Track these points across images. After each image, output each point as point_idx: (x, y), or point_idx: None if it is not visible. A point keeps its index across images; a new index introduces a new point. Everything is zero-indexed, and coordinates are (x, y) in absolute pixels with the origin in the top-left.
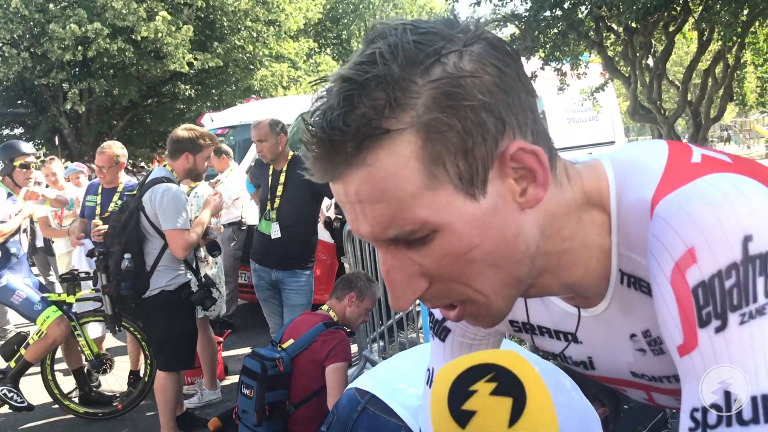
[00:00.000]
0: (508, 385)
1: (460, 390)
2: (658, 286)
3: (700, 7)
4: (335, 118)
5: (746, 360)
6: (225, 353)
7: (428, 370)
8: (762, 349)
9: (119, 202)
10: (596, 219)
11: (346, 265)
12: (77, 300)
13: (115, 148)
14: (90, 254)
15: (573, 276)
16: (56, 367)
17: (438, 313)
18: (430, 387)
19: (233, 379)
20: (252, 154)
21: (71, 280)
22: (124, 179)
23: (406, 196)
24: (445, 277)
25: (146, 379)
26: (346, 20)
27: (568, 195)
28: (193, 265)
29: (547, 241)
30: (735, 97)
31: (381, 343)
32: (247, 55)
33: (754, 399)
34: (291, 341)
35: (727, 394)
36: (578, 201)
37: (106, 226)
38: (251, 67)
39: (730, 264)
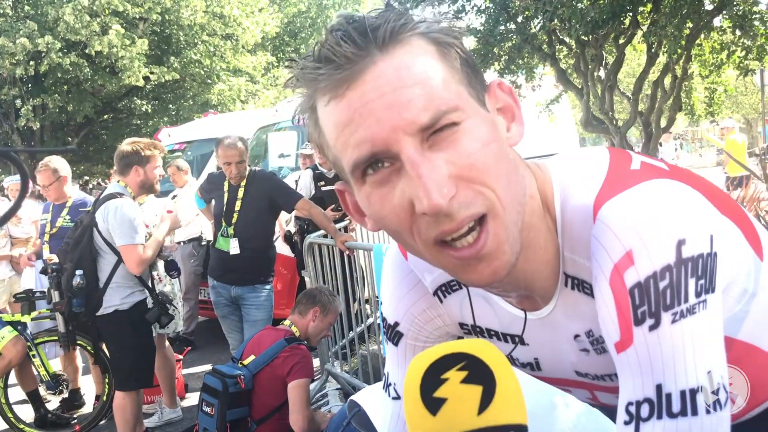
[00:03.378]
0: (479, 373)
1: (432, 378)
2: (599, 286)
3: (648, 21)
4: (373, 15)
5: (677, 356)
6: (185, 371)
7: (384, 374)
8: (692, 346)
9: (68, 217)
10: (546, 219)
11: (307, 279)
12: (32, 319)
13: (54, 163)
14: (44, 271)
15: (535, 262)
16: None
17: (390, 319)
18: (386, 391)
19: (194, 396)
20: (210, 169)
21: (26, 300)
22: (73, 194)
23: (438, 80)
24: (470, 174)
25: (104, 398)
26: (304, 34)
27: (528, 177)
28: (149, 283)
29: (525, 199)
30: (684, 108)
31: (343, 357)
32: (204, 69)
33: (683, 393)
34: (252, 357)
35: (659, 388)
36: (531, 190)
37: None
38: (208, 81)
39: (665, 266)
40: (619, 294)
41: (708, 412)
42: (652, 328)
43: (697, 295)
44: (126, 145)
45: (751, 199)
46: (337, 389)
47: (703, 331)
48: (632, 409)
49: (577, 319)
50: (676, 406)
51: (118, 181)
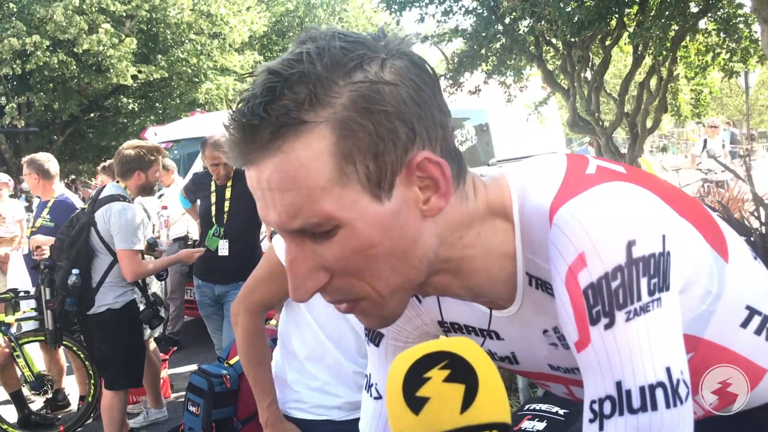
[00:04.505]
0: (461, 372)
1: (415, 377)
2: (556, 289)
3: (634, 23)
4: (256, 105)
5: (633, 353)
6: (171, 371)
7: (366, 375)
8: (648, 343)
9: (48, 216)
10: (499, 227)
11: None
12: (17, 320)
13: (40, 163)
14: (35, 267)
15: (475, 281)
16: None
17: None
18: (368, 391)
19: (179, 396)
20: (196, 168)
21: (10, 300)
22: (58, 192)
23: (316, 189)
24: (345, 271)
25: (90, 398)
26: (291, 33)
27: (471, 207)
28: (140, 283)
29: (447, 249)
30: (670, 109)
31: None
32: (192, 67)
33: (642, 389)
34: (238, 357)
35: (619, 385)
36: (481, 212)
37: (46, 247)
38: (195, 80)
39: (616, 266)
40: (575, 295)
41: (668, 407)
42: (607, 327)
43: (651, 293)
44: (129, 150)
45: (735, 200)
46: None
47: (659, 328)
48: (596, 406)
49: (543, 316)
50: (636, 402)
51: (117, 182)
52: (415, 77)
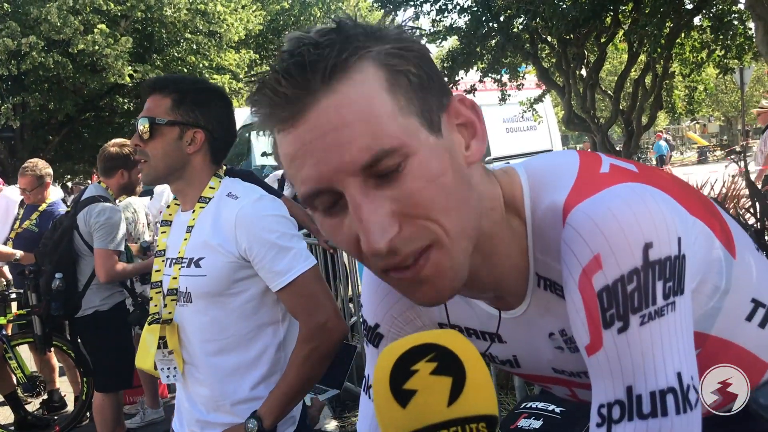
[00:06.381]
0: (448, 364)
1: (402, 370)
2: (568, 290)
3: (629, 20)
4: (305, 52)
5: (646, 358)
6: None
7: (365, 376)
8: (661, 347)
9: (35, 220)
10: (513, 223)
11: None
12: (8, 321)
13: (39, 168)
14: (21, 272)
15: (498, 264)
16: None
17: (370, 320)
18: (366, 393)
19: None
20: None
21: (2, 301)
22: (54, 197)
23: (383, 116)
24: (416, 209)
25: (83, 398)
26: (287, 32)
27: (496, 189)
28: (128, 284)
29: (483, 217)
30: (665, 106)
31: None
32: (188, 66)
33: (652, 394)
34: None
35: (629, 390)
36: (500, 197)
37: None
38: None
39: (632, 269)
40: (588, 297)
41: (678, 413)
42: (620, 330)
43: (665, 297)
44: (113, 147)
45: (731, 197)
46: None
47: (672, 333)
48: (604, 411)
49: (550, 318)
50: (646, 408)
51: (99, 182)
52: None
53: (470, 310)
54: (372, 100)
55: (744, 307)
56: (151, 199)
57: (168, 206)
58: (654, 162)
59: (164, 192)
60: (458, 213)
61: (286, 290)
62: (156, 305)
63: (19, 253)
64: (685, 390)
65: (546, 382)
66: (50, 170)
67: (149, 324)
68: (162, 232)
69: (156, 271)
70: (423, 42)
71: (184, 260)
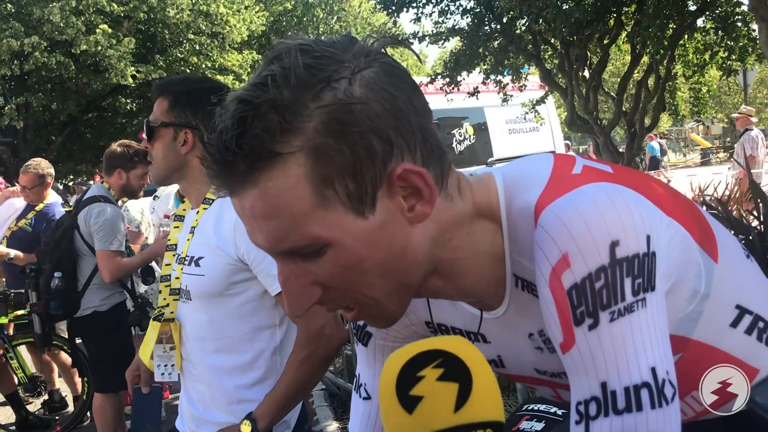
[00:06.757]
0: (455, 370)
1: (408, 376)
2: (541, 290)
3: (632, 21)
4: (229, 140)
5: (618, 354)
6: None
7: (356, 375)
8: (633, 343)
9: (31, 219)
10: (487, 228)
11: None
12: (9, 321)
13: (41, 167)
14: (22, 271)
15: (465, 282)
16: None
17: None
18: (357, 392)
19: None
20: None
21: (3, 301)
22: (52, 198)
23: (299, 214)
24: (337, 286)
25: (84, 397)
26: (290, 33)
27: (458, 208)
28: (128, 285)
29: (438, 250)
30: (668, 108)
31: None
32: (191, 67)
33: (627, 389)
34: None
35: (604, 386)
36: (468, 213)
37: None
38: None
39: (599, 267)
40: (559, 296)
41: (653, 407)
42: (591, 327)
43: (635, 294)
44: (116, 146)
45: (734, 198)
46: (321, 389)
47: (644, 329)
48: (581, 408)
49: (529, 319)
50: (621, 403)
51: (102, 182)
52: (387, 86)
53: (454, 309)
54: (290, 196)
55: (727, 313)
56: (154, 199)
57: (183, 201)
58: (647, 163)
59: (171, 194)
60: (385, 282)
61: None
62: (165, 299)
63: (13, 252)
64: (660, 385)
65: (531, 383)
66: (52, 170)
67: (153, 319)
68: (175, 227)
69: (166, 264)
70: (422, 43)
71: (186, 258)
